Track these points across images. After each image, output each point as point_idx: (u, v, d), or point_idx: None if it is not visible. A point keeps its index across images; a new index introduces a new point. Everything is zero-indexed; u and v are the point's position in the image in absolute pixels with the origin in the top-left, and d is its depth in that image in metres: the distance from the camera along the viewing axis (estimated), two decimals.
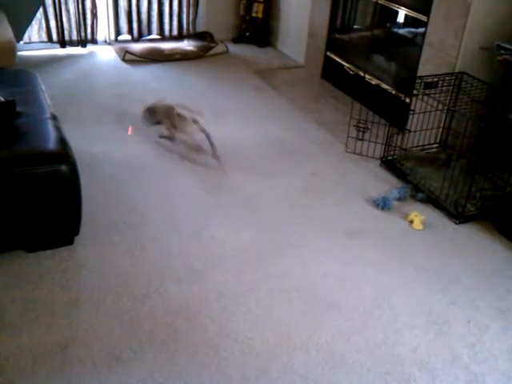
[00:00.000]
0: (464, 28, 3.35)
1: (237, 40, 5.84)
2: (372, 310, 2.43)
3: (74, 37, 5.17)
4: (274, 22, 5.74)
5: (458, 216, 3.09)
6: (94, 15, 5.16)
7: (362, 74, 4.37)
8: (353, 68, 4.57)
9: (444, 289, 2.59)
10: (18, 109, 2.68)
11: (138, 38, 5.48)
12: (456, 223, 3.08)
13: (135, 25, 5.40)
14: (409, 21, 4.09)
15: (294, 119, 4.20)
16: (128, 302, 2.36)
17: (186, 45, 5.56)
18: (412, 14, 3.91)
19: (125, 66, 4.97)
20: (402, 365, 2.17)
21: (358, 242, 2.87)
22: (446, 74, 3.39)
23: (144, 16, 5.39)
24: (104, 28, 5.38)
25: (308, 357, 2.17)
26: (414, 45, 3.96)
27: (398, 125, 3.53)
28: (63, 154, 2.45)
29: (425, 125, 3.47)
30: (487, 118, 3.09)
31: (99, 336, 2.18)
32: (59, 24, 5.03)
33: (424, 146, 3.63)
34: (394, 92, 3.93)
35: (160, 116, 3.65)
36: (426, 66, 3.66)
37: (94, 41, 5.29)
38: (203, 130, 3.50)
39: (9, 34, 4.00)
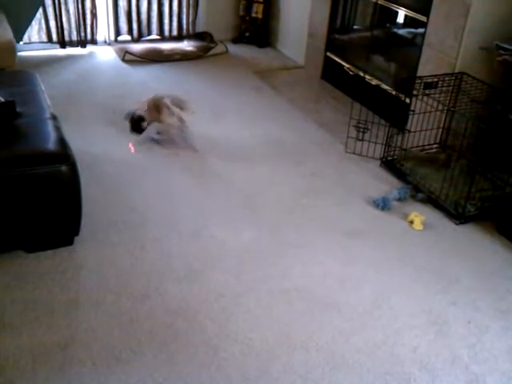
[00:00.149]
0: (464, 28, 3.35)
1: (236, 40, 5.84)
2: (372, 311, 2.42)
3: (74, 37, 5.17)
4: (273, 23, 5.74)
5: (458, 216, 3.09)
6: (94, 15, 5.16)
7: (361, 74, 4.37)
8: (353, 68, 4.57)
9: (444, 289, 2.59)
10: (18, 109, 2.67)
11: (138, 39, 5.48)
12: (456, 223, 3.08)
13: (135, 25, 5.40)
14: (408, 21, 4.09)
15: (294, 119, 4.20)
16: (127, 302, 2.35)
17: (186, 45, 5.56)
18: (412, 14, 3.91)
19: (124, 66, 4.97)
20: (401, 365, 2.17)
21: (357, 243, 2.86)
22: (446, 75, 3.39)
23: (144, 16, 5.40)
24: (104, 28, 5.38)
25: (308, 357, 2.17)
26: (414, 45, 3.96)
27: (398, 125, 3.53)
28: (63, 154, 2.45)
29: (425, 125, 3.47)
30: (487, 118, 3.09)
31: (99, 336, 2.18)
32: (59, 24, 5.03)
33: (424, 146, 3.64)
34: (393, 92, 3.93)
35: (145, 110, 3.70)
36: (426, 67, 3.66)
37: (93, 41, 5.29)
38: (180, 126, 3.64)
39: (9, 34, 4.00)
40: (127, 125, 3.70)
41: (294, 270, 2.63)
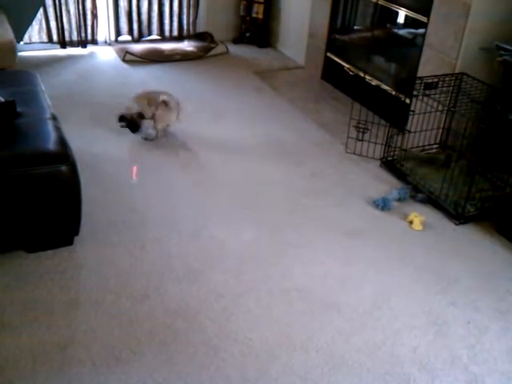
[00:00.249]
0: (464, 29, 3.35)
1: (237, 41, 5.84)
2: (372, 311, 2.42)
3: (75, 37, 5.18)
4: (274, 23, 5.74)
5: (458, 217, 3.09)
6: (95, 16, 5.17)
7: (362, 74, 4.37)
8: (353, 69, 4.57)
9: (444, 289, 2.59)
10: (19, 109, 2.68)
11: (138, 39, 5.48)
12: (456, 224, 3.08)
13: (135, 25, 5.40)
14: (409, 22, 4.09)
15: (294, 120, 4.20)
16: (127, 303, 2.36)
17: (186, 45, 5.56)
18: (412, 14, 3.91)
19: (125, 66, 4.98)
20: (401, 365, 2.17)
21: (357, 243, 2.87)
22: (446, 75, 3.39)
23: (144, 17, 5.40)
24: (104, 28, 5.39)
25: (308, 357, 2.17)
26: (414, 46, 3.96)
27: (398, 125, 3.53)
28: (63, 154, 2.45)
29: (425, 125, 3.47)
30: (487, 118, 3.09)
31: (98, 336, 2.18)
32: (59, 25, 5.04)
33: (424, 146, 3.64)
34: (394, 93, 3.93)
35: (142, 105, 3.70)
36: (426, 67, 3.66)
37: (94, 41, 5.30)
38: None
39: (9, 34, 4.00)
40: (123, 128, 3.68)
41: (294, 270, 2.63)
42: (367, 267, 2.69)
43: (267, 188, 3.28)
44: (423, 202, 3.23)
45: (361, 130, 3.66)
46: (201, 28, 5.74)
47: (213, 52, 5.41)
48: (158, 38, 5.59)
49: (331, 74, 4.89)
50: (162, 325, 2.26)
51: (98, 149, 3.53)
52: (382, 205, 3.13)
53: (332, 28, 4.80)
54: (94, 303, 2.34)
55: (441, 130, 3.62)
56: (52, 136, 2.54)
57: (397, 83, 4.03)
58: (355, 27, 4.86)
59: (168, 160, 3.50)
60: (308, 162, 3.61)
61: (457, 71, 3.44)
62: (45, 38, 5.07)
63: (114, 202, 3.03)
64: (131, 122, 3.64)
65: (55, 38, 5.10)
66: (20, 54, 4.43)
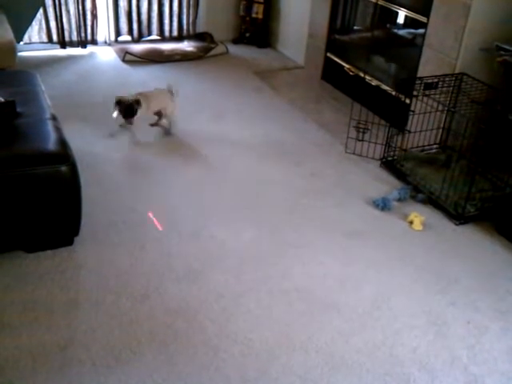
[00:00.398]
0: (464, 29, 3.35)
1: (237, 41, 5.84)
2: (371, 311, 2.42)
3: (74, 37, 5.17)
4: (274, 23, 5.74)
5: (458, 217, 3.09)
6: (94, 16, 5.17)
7: (362, 74, 4.37)
8: (353, 69, 4.57)
9: (444, 290, 2.59)
10: (18, 109, 2.68)
11: (138, 39, 5.48)
12: (456, 224, 3.08)
13: (135, 25, 5.40)
14: (409, 22, 4.09)
15: (294, 120, 4.20)
16: (127, 303, 2.35)
17: (186, 45, 5.56)
18: (412, 15, 3.91)
19: (125, 66, 4.98)
20: (401, 365, 2.17)
21: (357, 243, 2.86)
22: (446, 75, 3.39)
23: (144, 17, 5.40)
24: (104, 29, 5.39)
25: (307, 358, 2.17)
26: (414, 46, 3.96)
27: (398, 126, 3.53)
28: (63, 154, 2.45)
29: (425, 126, 3.47)
30: (487, 118, 3.09)
31: (98, 336, 2.18)
32: (59, 25, 5.04)
33: (424, 146, 3.64)
34: (394, 93, 3.93)
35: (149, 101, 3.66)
36: (426, 67, 3.66)
37: (94, 41, 5.30)
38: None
39: (9, 34, 4.00)
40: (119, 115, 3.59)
41: (293, 271, 2.63)
42: (367, 267, 2.69)
43: (267, 188, 3.28)
44: (423, 202, 3.23)
45: (361, 130, 3.66)
46: (201, 28, 5.74)
47: (213, 52, 5.41)
48: (158, 38, 5.59)
49: (331, 74, 4.89)
50: (162, 325, 2.26)
51: (98, 149, 3.53)
52: (382, 205, 3.13)
53: (332, 28, 4.80)
54: (93, 303, 2.34)
55: (441, 131, 3.62)
56: (52, 136, 2.54)
57: (397, 83, 4.03)
58: (355, 27, 4.86)
59: (168, 160, 3.49)
60: (308, 162, 3.61)
61: (457, 71, 3.44)
62: (45, 38, 5.07)
63: (114, 202, 3.03)
64: (128, 106, 3.50)
65: (55, 38, 5.10)
66: (20, 54, 4.43)
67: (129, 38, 5.46)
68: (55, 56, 5.05)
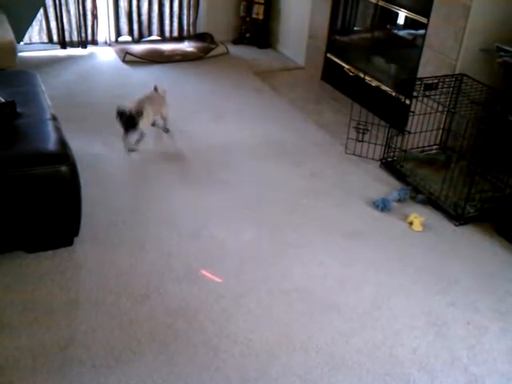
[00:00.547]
0: (464, 30, 3.35)
1: (237, 41, 5.84)
2: (371, 311, 2.43)
3: (75, 38, 5.18)
4: (274, 24, 5.74)
5: (458, 218, 3.09)
6: (95, 16, 5.17)
7: (362, 75, 4.38)
8: (353, 70, 4.57)
9: (443, 290, 2.59)
10: (19, 109, 2.68)
11: (139, 39, 5.49)
12: (456, 225, 3.08)
13: (135, 26, 5.41)
14: (409, 23, 4.09)
15: (294, 120, 4.20)
16: (127, 303, 2.36)
17: (187, 46, 5.56)
18: (412, 15, 3.92)
19: (125, 67, 4.98)
20: (401, 366, 2.17)
21: (357, 243, 2.87)
22: (446, 76, 3.40)
23: (144, 17, 5.40)
24: (104, 29, 5.39)
25: (307, 358, 2.17)
26: (414, 46, 3.96)
27: (398, 126, 3.53)
28: (63, 154, 2.45)
29: (425, 126, 3.48)
30: (487, 119, 3.09)
31: (99, 336, 2.18)
32: (60, 25, 5.04)
33: (424, 147, 3.64)
34: (394, 94, 3.93)
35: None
36: (426, 68, 3.67)
37: (94, 42, 5.30)
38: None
39: (9, 35, 4.01)
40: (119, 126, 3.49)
41: (293, 271, 2.63)
42: (367, 268, 2.70)
43: (267, 188, 3.29)
44: (423, 202, 3.23)
45: (361, 130, 3.66)
46: (201, 29, 5.74)
47: (213, 53, 5.41)
48: (158, 38, 5.59)
49: (331, 75, 4.89)
50: (162, 325, 2.26)
51: (97, 149, 3.53)
52: (382, 206, 3.14)
53: (332, 29, 4.80)
54: (94, 303, 2.34)
55: (441, 131, 3.63)
56: (52, 136, 2.54)
57: (397, 84, 4.03)
58: (355, 28, 4.86)
59: (167, 160, 3.49)
60: (308, 162, 3.61)
61: (457, 72, 3.44)
62: (45, 39, 5.07)
63: (114, 202, 3.03)
64: (129, 117, 3.41)
65: (55, 38, 5.10)
66: (20, 54, 4.44)
67: (129, 38, 5.46)
68: (55, 56, 5.05)
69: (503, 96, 3.22)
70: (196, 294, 2.44)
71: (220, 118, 4.13)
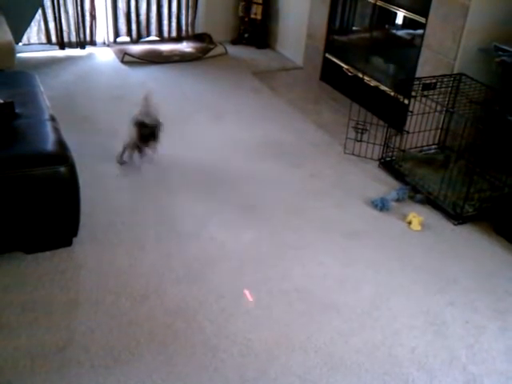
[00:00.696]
0: (462, 30, 3.36)
1: (235, 41, 5.84)
2: (370, 311, 2.43)
3: (73, 38, 5.17)
4: (272, 24, 5.75)
5: (457, 217, 3.09)
6: (93, 17, 5.17)
7: (360, 75, 4.38)
8: (351, 69, 4.58)
9: (442, 290, 2.59)
10: (17, 110, 2.68)
11: (137, 40, 5.48)
12: (454, 224, 3.08)
13: (134, 26, 5.40)
14: (407, 22, 4.10)
15: (293, 121, 4.20)
16: (126, 303, 2.36)
17: (185, 46, 5.56)
18: (410, 15, 3.92)
19: (123, 67, 4.98)
20: (400, 365, 2.17)
21: (356, 243, 2.87)
22: (445, 76, 3.40)
23: (143, 18, 5.40)
24: (103, 30, 5.39)
25: (307, 358, 2.17)
26: (413, 46, 3.97)
27: (397, 126, 3.54)
28: (62, 155, 2.45)
29: (423, 126, 3.48)
30: (485, 119, 3.10)
31: (98, 337, 2.18)
32: (58, 26, 5.04)
33: (422, 147, 3.64)
34: (392, 93, 3.93)
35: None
36: (425, 68, 3.67)
37: (92, 42, 5.30)
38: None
39: (8, 35, 4.00)
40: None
41: (293, 271, 2.63)
42: (366, 268, 2.70)
43: (266, 188, 3.29)
44: (422, 202, 3.24)
45: (359, 130, 3.67)
46: (199, 29, 5.74)
47: (211, 53, 5.41)
48: (157, 39, 5.58)
49: (330, 75, 4.90)
50: (161, 325, 2.26)
51: (96, 149, 3.53)
52: (381, 205, 3.14)
53: (330, 29, 4.80)
54: (93, 304, 2.34)
55: (439, 131, 3.63)
56: (51, 137, 2.54)
57: (395, 84, 4.04)
58: (354, 28, 4.87)
59: (166, 161, 3.49)
60: (307, 162, 3.61)
61: (455, 72, 3.45)
62: (43, 39, 5.07)
63: (113, 202, 3.03)
64: (152, 128, 3.19)
65: (54, 39, 5.09)
66: (19, 55, 4.43)
67: (127, 38, 5.46)
68: (54, 57, 5.05)
69: (501, 95, 3.22)
70: (195, 294, 2.44)
71: (219, 119, 4.13)
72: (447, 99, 3.39)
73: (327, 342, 2.25)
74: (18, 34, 4.79)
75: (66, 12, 5.02)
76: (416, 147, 3.61)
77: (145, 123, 3.19)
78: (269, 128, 4.04)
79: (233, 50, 5.64)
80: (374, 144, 3.63)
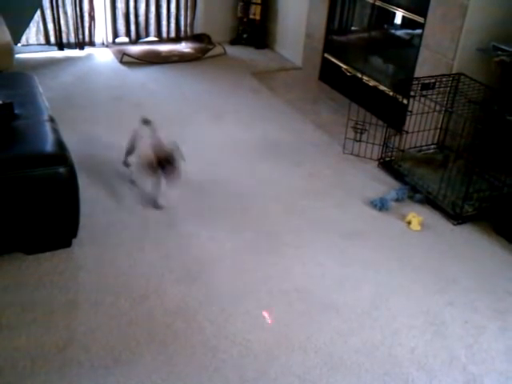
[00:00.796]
0: (461, 29, 3.36)
1: (234, 42, 5.84)
2: (370, 311, 2.43)
3: (72, 39, 5.17)
4: (271, 24, 5.75)
5: (456, 217, 3.09)
6: (92, 18, 5.17)
7: (359, 75, 4.38)
8: (350, 69, 4.58)
9: (442, 290, 2.59)
10: (16, 111, 2.68)
11: (136, 40, 5.48)
12: (454, 224, 3.08)
13: (133, 27, 5.40)
14: (406, 22, 4.10)
15: (292, 121, 4.20)
16: (126, 303, 2.36)
17: (184, 47, 5.56)
18: (409, 15, 3.92)
19: (122, 68, 4.98)
20: (399, 365, 2.17)
21: (356, 243, 2.87)
22: (443, 76, 3.40)
23: (142, 18, 5.40)
24: (102, 30, 5.39)
25: (306, 358, 2.17)
26: (412, 46, 3.97)
27: (396, 126, 3.54)
28: (61, 156, 2.45)
29: (422, 126, 3.48)
30: (484, 118, 3.10)
31: (97, 337, 2.18)
32: (57, 26, 5.04)
33: (421, 147, 3.64)
34: (391, 93, 3.94)
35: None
36: (423, 68, 3.67)
37: (91, 43, 5.30)
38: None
39: (6, 36, 4.00)
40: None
41: (293, 271, 2.63)
42: (365, 268, 2.70)
43: (266, 189, 3.29)
44: (421, 202, 3.24)
45: (358, 130, 3.67)
46: (198, 29, 5.74)
47: (210, 53, 5.41)
48: (156, 39, 5.59)
49: (329, 75, 4.90)
50: (160, 326, 2.26)
51: (96, 150, 3.53)
52: (380, 205, 3.14)
53: (329, 29, 4.81)
54: (92, 304, 2.34)
55: (438, 131, 3.63)
56: (50, 138, 2.54)
57: (394, 84, 4.04)
58: (352, 28, 4.87)
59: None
60: (306, 162, 3.61)
61: (454, 72, 3.45)
62: (42, 40, 5.07)
63: (113, 203, 3.03)
64: (174, 160, 2.88)
65: (53, 39, 5.10)
66: (17, 56, 4.42)
67: (126, 39, 5.46)
68: (53, 58, 5.05)
69: (500, 95, 3.22)
70: (195, 294, 2.44)
71: (218, 119, 4.13)
72: (446, 99, 3.39)
73: (327, 342, 2.25)
74: (17, 34, 4.79)
75: (65, 13, 5.02)
76: (415, 147, 3.62)
77: (161, 148, 2.88)
78: (268, 128, 4.04)
79: (231, 50, 5.64)
80: (373, 144, 3.63)
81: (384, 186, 3.39)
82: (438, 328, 2.37)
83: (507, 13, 3.39)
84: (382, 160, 3.60)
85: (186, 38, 5.67)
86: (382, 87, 4.24)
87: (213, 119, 4.12)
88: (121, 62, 5.05)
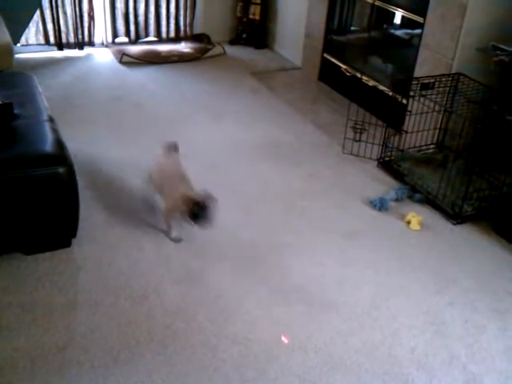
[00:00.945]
0: (460, 29, 3.36)
1: (234, 42, 5.84)
2: (370, 311, 2.43)
3: (72, 39, 5.17)
4: (271, 24, 5.75)
5: (456, 216, 3.09)
6: (91, 18, 5.17)
7: (359, 75, 4.38)
8: (350, 70, 4.58)
9: (442, 290, 2.59)
10: (16, 111, 2.68)
11: (135, 41, 5.48)
12: (453, 224, 3.08)
13: (132, 27, 5.40)
14: (405, 22, 4.10)
15: (292, 121, 4.20)
16: (126, 304, 2.35)
17: (183, 47, 5.56)
18: (408, 15, 3.92)
19: (122, 68, 4.97)
20: (399, 365, 2.17)
21: (356, 243, 2.87)
22: (443, 75, 3.40)
23: (141, 18, 5.40)
24: (101, 30, 5.39)
25: (306, 358, 2.17)
26: (411, 46, 3.97)
27: (395, 126, 3.54)
28: (60, 156, 2.45)
29: (422, 126, 3.48)
30: (483, 118, 3.10)
31: (97, 337, 2.18)
32: (56, 26, 5.03)
33: (421, 146, 3.64)
34: (390, 93, 3.94)
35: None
36: (423, 68, 3.67)
37: (91, 43, 5.29)
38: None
39: (6, 36, 4.00)
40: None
41: (292, 271, 2.63)
42: (365, 268, 2.70)
43: (265, 189, 3.29)
44: (421, 202, 3.24)
45: (358, 130, 3.67)
46: (198, 29, 5.74)
47: (210, 53, 5.41)
48: (155, 39, 5.58)
49: (328, 75, 4.90)
50: (160, 326, 2.26)
51: (95, 150, 3.53)
52: (380, 205, 3.14)
53: (329, 29, 4.80)
54: (92, 304, 2.34)
55: (438, 131, 3.63)
56: (49, 138, 2.54)
57: (394, 84, 4.04)
58: (352, 28, 4.87)
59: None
60: (305, 162, 3.61)
61: (453, 71, 3.45)
62: (42, 40, 5.06)
63: (112, 203, 3.02)
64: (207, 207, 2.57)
65: (52, 39, 5.09)
66: (17, 56, 4.42)
67: (126, 39, 5.46)
68: (52, 58, 5.04)
69: (500, 95, 3.22)
70: (194, 294, 2.44)
71: (217, 119, 4.13)
72: (445, 99, 3.39)
73: (327, 342, 2.25)
74: (17, 34, 4.79)
75: (65, 13, 5.02)
76: (414, 147, 3.62)
77: (196, 200, 2.56)
78: (268, 128, 4.04)
79: (231, 50, 5.64)
80: (373, 144, 3.63)
81: (383, 185, 3.39)
82: (437, 328, 2.37)
83: (506, 12, 3.39)
84: (381, 160, 3.60)
85: (186, 38, 5.67)
86: (381, 87, 4.24)
87: (212, 119, 4.12)
88: (120, 62, 5.05)
